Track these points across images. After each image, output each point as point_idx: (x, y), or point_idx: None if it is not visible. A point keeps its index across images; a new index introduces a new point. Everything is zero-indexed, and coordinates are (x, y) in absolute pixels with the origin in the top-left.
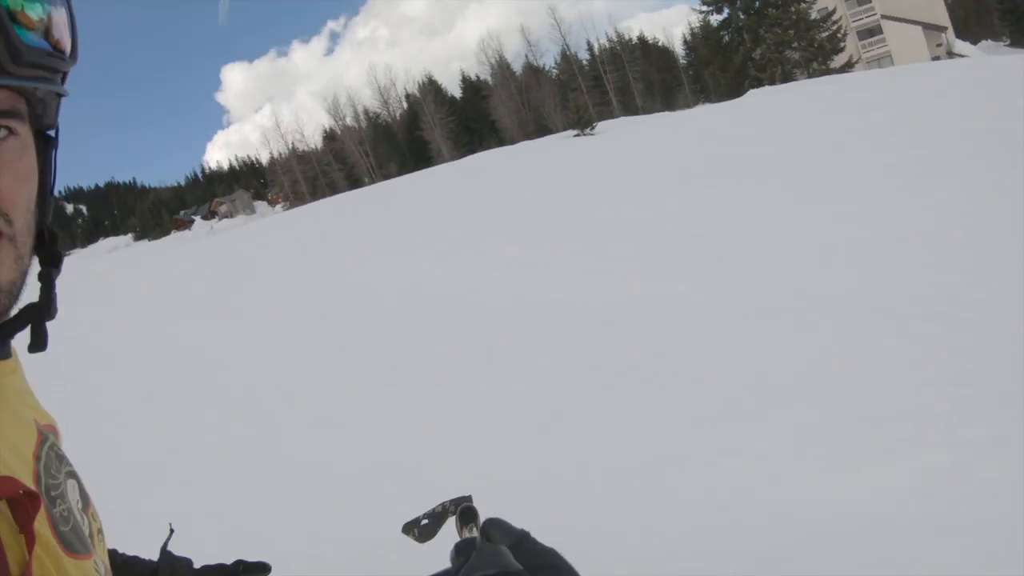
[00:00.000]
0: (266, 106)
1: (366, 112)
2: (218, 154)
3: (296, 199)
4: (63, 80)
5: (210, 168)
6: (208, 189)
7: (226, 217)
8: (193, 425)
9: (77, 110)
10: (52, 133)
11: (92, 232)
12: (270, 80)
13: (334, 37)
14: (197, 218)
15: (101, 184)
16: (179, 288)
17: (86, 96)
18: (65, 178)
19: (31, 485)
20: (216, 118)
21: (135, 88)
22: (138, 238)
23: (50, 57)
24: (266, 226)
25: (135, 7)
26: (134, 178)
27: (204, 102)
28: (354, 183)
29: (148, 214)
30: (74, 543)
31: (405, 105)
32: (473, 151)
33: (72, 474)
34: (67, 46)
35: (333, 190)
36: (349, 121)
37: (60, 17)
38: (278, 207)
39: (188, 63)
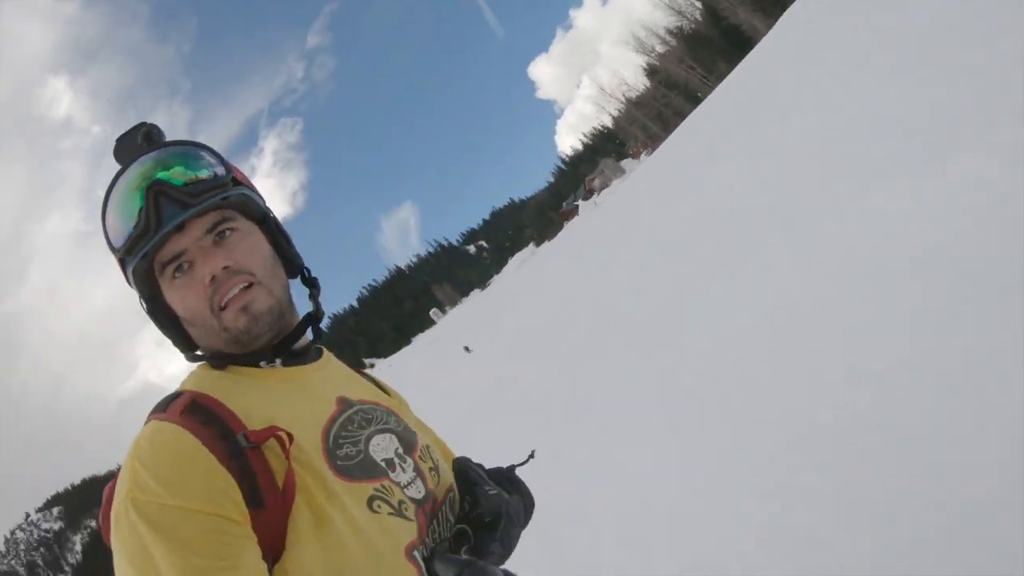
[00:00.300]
0: (583, 78)
1: (668, 31)
2: (568, 140)
3: (654, 142)
4: (241, 185)
5: (567, 156)
6: (575, 173)
7: (604, 188)
8: None
9: (453, 165)
10: (267, 214)
11: (500, 258)
12: (572, 55)
13: None
14: (579, 202)
15: (487, 216)
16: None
17: (458, 152)
18: (456, 225)
19: (319, 439)
20: (549, 113)
21: (483, 131)
22: (539, 243)
23: (205, 185)
24: (638, 176)
25: (432, 63)
26: (510, 197)
27: (531, 105)
28: (693, 99)
29: (536, 219)
30: (353, 471)
31: (699, 4)
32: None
33: (388, 430)
34: (214, 172)
35: (680, 116)
36: (659, 48)
37: (189, 160)
38: (643, 156)
39: (499, 83)
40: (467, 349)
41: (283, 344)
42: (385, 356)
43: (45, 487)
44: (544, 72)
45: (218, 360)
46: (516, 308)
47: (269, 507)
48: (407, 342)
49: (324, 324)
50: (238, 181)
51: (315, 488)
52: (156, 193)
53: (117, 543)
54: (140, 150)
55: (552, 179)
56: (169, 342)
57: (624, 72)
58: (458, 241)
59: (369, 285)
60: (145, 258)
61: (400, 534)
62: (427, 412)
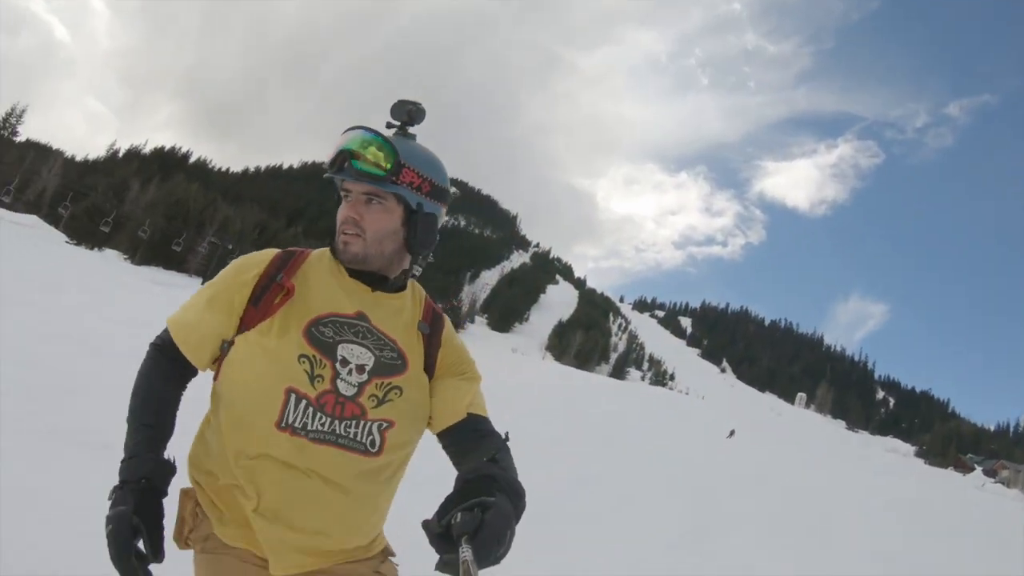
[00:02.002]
0: None
1: None
2: None
3: None
4: (399, 185)
5: None
6: None
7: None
8: None
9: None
10: (417, 208)
11: (888, 425)
12: None
13: None
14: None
15: (919, 389)
16: None
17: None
18: (889, 368)
19: (316, 315)
20: None
21: None
22: None
23: (368, 177)
24: None
25: None
26: (948, 399)
27: None
28: None
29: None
30: (314, 339)
31: None
32: None
33: (369, 350)
34: (379, 173)
35: None
36: None
37: (377, 154)
38: None
39: None
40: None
41: (358, 273)
42: None
43: None
44: None
45: (333, 251)
46: None
47: (258, 309)
48: None
49: None
50: (398, 183)
51: (283, 326)
52: (345, 156)
53: None
54: (395, 113)
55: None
56: None
57: None
58: (879, 377)
59: (787, 320)
60: (333, 181)
61: (296, 379)
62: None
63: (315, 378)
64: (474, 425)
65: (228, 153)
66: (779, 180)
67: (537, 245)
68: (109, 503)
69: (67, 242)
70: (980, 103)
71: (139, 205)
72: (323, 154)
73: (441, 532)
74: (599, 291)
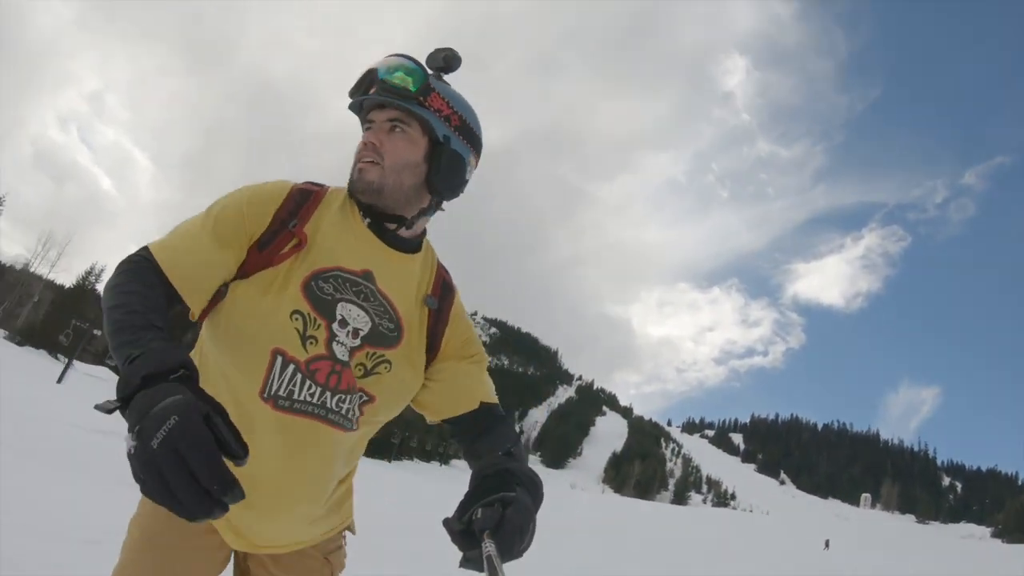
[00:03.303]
0: None
1: None
2: None
3: None
4: (427, 109)
5: None
6: None
7: None
8: None
9: None
10: (441, 140)
11: (959, 511)
12: None
13: None
14: None
15: (984, 468)
16: None
17: None
18: (951, 452)
19: (318, 268)
20: None
21: None
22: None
23: (392, 91)
24: None
25: None
26: (1016, 471)
27: None
28: None
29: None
30: (312, 297)
31: None
32: None
33: (368, 314)
34: (404, 86)
35: None
36: None
37: (405, 77)
38: None
39: None
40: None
41: (371, 210)
42: None
43: None
44: None
45: (349, 192)
46: None
47: (263, 254)
48: None
49: None
50: (425, 105)
51: (285, 279)
52: (372, 75)
53: None
54: (431, 59)
55: None
56: None
57: None
58: (942, 463)
59: (839, 421)
60: (360, 108)
61: (284, 339)
62: None
63: (307, 339)
64: (487, 414)
65: None
66: (811, 281)
67: (580, 378)
68: (133, 419)
69: None
70: (994, 166)
71: None
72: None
73: (463, 529)
74: (647, 417)
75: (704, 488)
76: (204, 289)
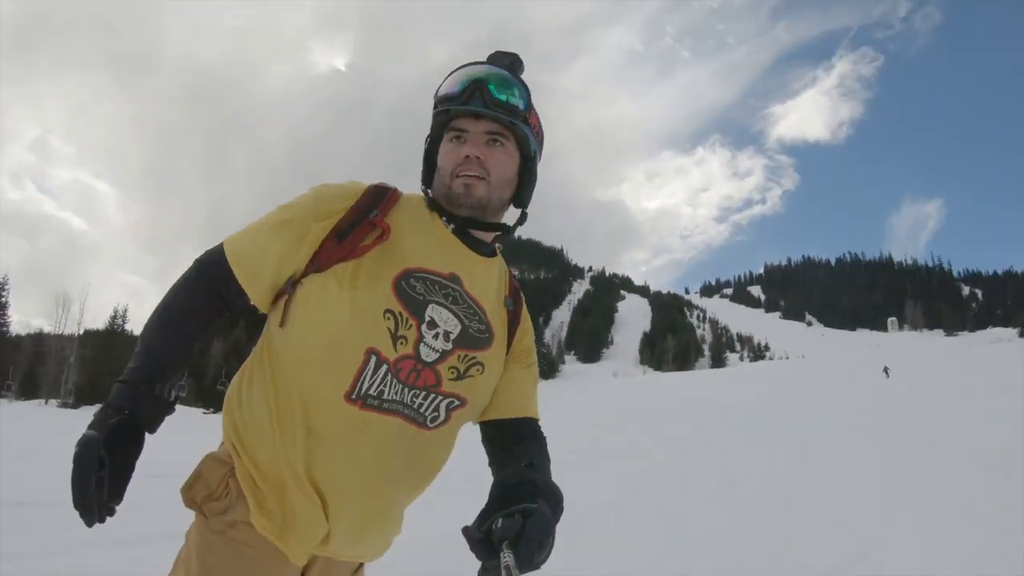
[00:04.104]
0: None
1: None
2: None
3: None
4: (528, 126)
5: None
6: None
7: None
8: None
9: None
10: (533, 157)
11: (983, 318)
12: None
13: None
14: None
15: (1000, 271)
16: None
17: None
18: (965, 260)
19: (408, 268)
20: None
21: None
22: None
23: (505, 107)
24: None
25: None
26: None
27: None
28: None
29: None
30: (404, 295)
31: None
32: None
33: (457, 317)
34: (518, 104)
35: None
36: None
37: (511, 89)
38: None
39: None
40: (886, 371)
41: (468, 221)
42: None
43: None
44: None
45: (429, 201)
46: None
47: (342, 245)
48: None
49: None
50: (528, 123)
51: (371, 274)
52: (480, 84)
53: None
54: (498, 62)
55: None
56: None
57: None
58: (960, 273)
59: (851, 253)
60: (446, 114)
61: (378, 338)
62: None
63: (398, 339)
64: (527, 426)
65: None
66: (792, 120)
67: (591, 269)
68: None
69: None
70: None
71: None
72: None
73: (482, 538)
74: (664, 291)
75: (737, 346)
76: (264, 277)
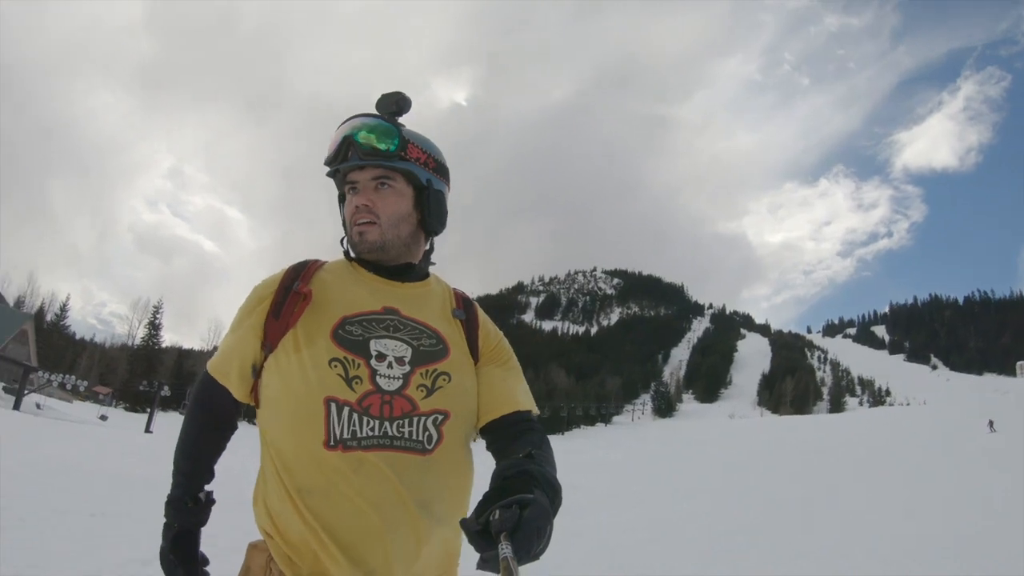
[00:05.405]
0: None
1: None
2: None
3: None
4: (407, 161)
5: None
6: None
7: None
8: None
9: None
10: (426, 185)
11: None
12: None
13: None
14: None
15: None
16: None
17: None
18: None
19: (341, 317)
20: None
21: None
22: None
23: (377, 155)
24: None
25: None
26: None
27: None
28: None
29: None
30: (345, 342)
31: None
32: None
33: (405, 342)
34: (388, 147)
35: None
36: None
37: (381, 135)
38: None
39: None
40: (991, 425)
41: (373, 266)
42: None
43: None
44: None
45: (346, 254)
46: None
47: (279, 322)
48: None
49: None
50: (406, 159)
51: (308, 335)
52: (348, 142)
53: None
54: (381, 106)
55: None
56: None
57: None
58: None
59: (979, 291)
60: (337, 174)
61: (331, 386)
62: None
63: (352, 380)
64: (521, 420)
65: None
66: (918, 147)
67: (711, 306)
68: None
69: None
70: None
71: None
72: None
73: (480, 530)
74: (786, 330)
75: (858, 390)
76: (234, 371)
